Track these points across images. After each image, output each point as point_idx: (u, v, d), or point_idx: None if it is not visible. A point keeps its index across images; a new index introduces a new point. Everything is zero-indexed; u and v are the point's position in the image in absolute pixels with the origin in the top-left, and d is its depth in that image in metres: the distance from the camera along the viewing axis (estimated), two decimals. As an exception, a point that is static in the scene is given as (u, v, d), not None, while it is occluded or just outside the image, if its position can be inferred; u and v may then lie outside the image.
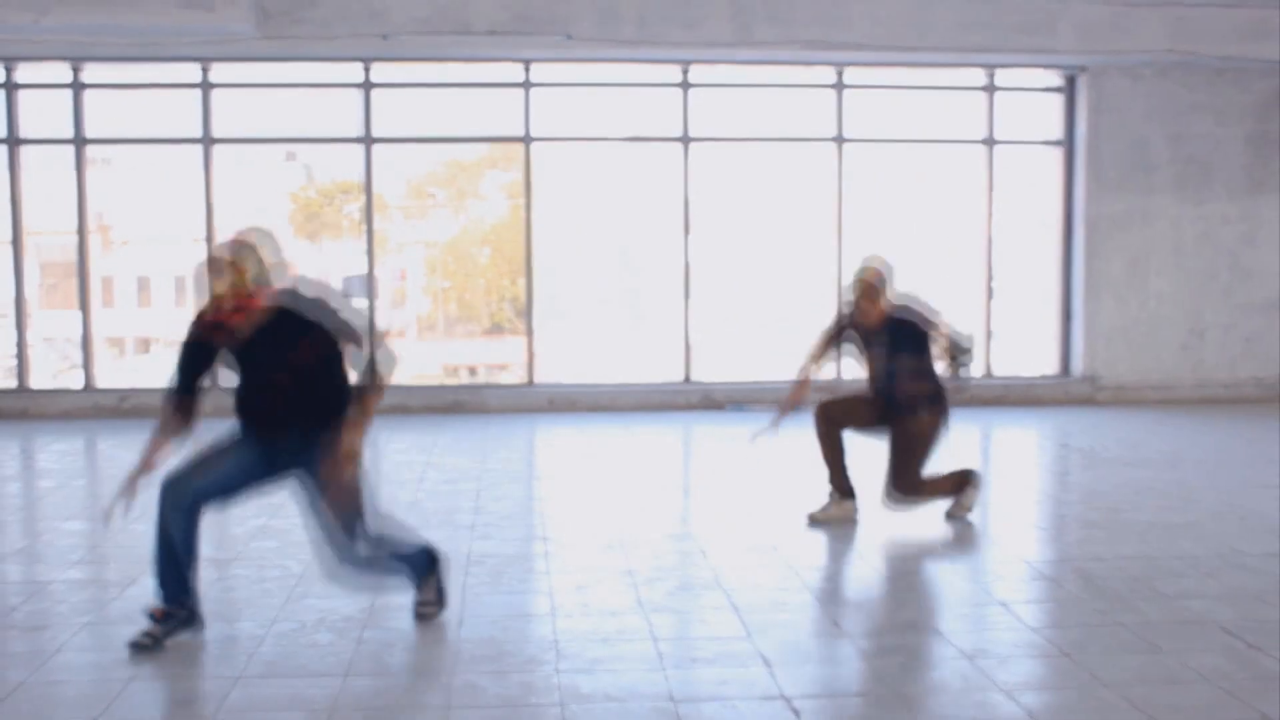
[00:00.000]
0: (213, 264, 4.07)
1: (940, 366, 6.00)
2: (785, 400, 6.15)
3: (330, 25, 9.69)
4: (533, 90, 10.59)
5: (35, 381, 10.70)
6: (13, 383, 10.59)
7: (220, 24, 9.23)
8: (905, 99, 11.27)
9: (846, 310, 6.10)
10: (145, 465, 4.13)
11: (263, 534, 5.67)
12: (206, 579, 4.47)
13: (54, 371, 11.26)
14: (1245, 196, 11.08)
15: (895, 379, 5.94)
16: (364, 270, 10.78)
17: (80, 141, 10.43)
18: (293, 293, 4.16)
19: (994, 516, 6.34)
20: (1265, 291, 11.15)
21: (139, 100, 10.86)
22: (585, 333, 11.92)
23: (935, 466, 6.08)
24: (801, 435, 6.36)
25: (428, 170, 12.13)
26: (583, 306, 11.98)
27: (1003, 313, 11.44)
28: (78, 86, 10.36)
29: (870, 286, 5.93)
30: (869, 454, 6.25)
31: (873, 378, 6.06)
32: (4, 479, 7.83)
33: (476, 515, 6.29)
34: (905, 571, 5.35)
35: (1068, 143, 11.16)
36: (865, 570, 5.49)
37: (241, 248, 4.07)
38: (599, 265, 12.20)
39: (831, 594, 5.13)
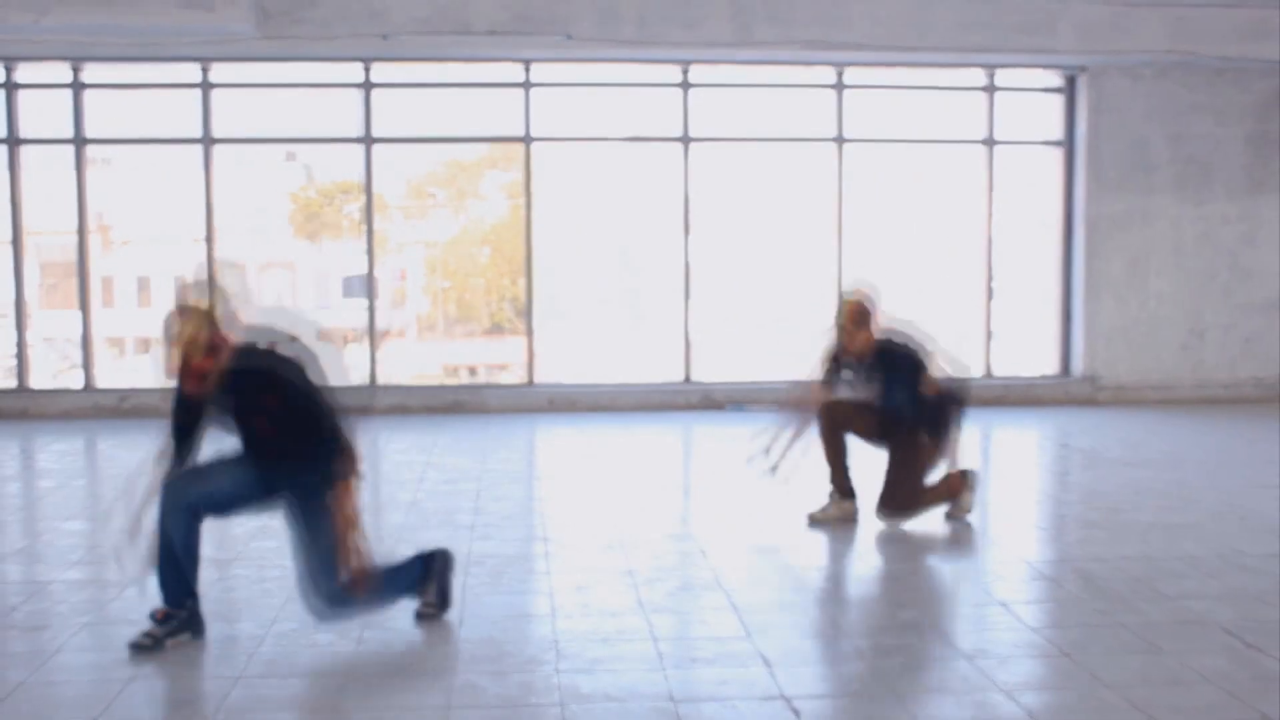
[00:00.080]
0: (166, 331, 4.09)
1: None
2: (789, 415, 6.08)
3: (330, 25, 9.68)
4: (533, 90, 10.58)
5: (35, 381, 10.70)
6: (13, 383, 10.59)
7: (220, 24, 9.23)
8: (905, 99, 11.26)
9: (832, 340, 6.02)
10: (146, 505, 4.17)
11: (263, 534, 5.67)
12: (206, 579, 4.46)
13: (54, 371, 11.26)
14: (1245, 196, 11.08)
15: (891, 409, 5.89)
16: (364, 270, 10.79)
17: (80, 141, 10.42)
18: (248, 349, 4.13)
19: (994, 517, 6.33)
20: (1265, 291, 11.15)
21: (139, 100, 10.86)
22: (585, 333, 11.92)
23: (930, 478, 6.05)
24: (801, 441, 6.34)
25: (428, 170, 12.12)
26: (583, 306, 11.97)
27: (1003, 313, 11.42)
28: (78, 86, 10.36)
29: (855, 314, 5.83)
30: (869, 455, 6.24)
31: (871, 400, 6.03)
32: (4, 479, 7.83)
33: (476, 515, 6.29)
34: (905, 572, 5.34)
35: (1068, 143, 11.16)
36: (865, 570, 5.49)
37: (187, 314, 4.07)
38: (599, 265, 12.20)
39: (831, 594, 5.13)
